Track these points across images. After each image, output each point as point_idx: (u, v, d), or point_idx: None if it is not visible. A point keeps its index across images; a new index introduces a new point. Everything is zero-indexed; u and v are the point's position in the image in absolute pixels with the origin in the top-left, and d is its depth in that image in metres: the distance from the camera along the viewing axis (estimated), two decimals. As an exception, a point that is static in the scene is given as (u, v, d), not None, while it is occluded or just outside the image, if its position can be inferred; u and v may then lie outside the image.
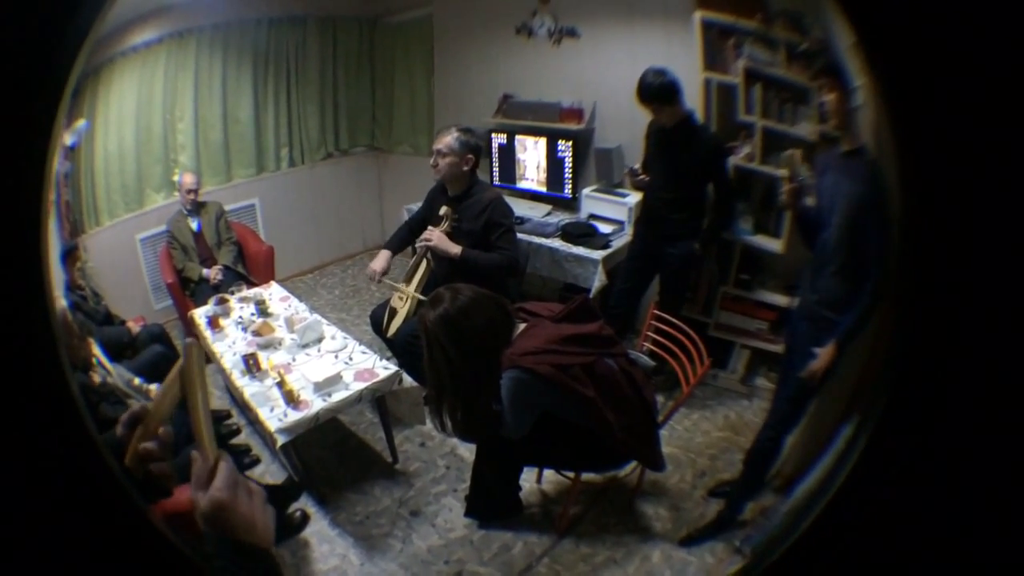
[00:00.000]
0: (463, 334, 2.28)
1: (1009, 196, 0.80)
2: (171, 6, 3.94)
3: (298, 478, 2.98)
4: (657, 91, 3.04)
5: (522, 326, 2.41)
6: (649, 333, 2.99)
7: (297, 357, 3.12)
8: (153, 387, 2.68)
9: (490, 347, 2.31)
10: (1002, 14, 0.76)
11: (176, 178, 4.06)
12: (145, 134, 4.00)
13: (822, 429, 2.27)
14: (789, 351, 2.78)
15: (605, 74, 3.89)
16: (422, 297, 3.26)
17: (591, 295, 3.68)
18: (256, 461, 3.20)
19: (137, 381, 2.70)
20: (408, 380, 3.01)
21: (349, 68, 4.75)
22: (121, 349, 3.17)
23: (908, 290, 0.87)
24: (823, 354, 2.38)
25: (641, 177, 3.38)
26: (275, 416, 2.71)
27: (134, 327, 3.34)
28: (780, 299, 3.49)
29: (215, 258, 3.98)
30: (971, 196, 0.81)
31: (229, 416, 3.43)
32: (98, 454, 0.88)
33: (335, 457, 3.25)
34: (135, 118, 3.93)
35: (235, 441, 3.30)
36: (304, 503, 2.93)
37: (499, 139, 4.38)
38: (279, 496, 2.88)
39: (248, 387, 2.91)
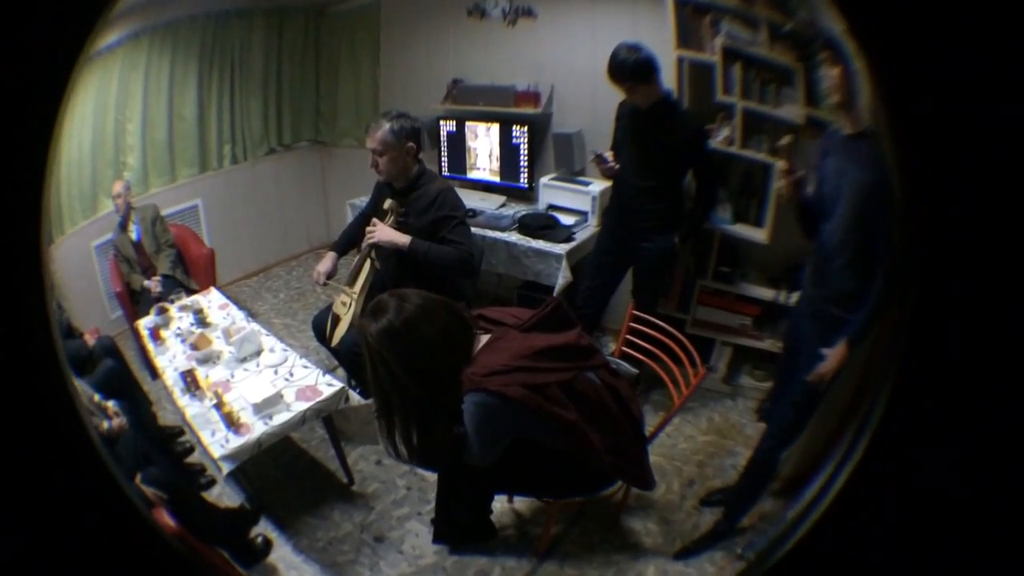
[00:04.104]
0: (411, 350, 1.87)
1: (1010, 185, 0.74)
2: (131, 8, 3.65)
3: (251, 505, 2.67)
4: (632, 68, 2.69)
5: (484, 338, 2.01)
6: (628, 336, 2.63)
7: (236, 373, 2.80)
8: (110, 404, 2.51)
9: (446, 364, 1.91)
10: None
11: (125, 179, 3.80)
12: (100, 138, 3.73)
13: (824, 429, 2.15)
14: (791, 352, 2.46)
15: (564, 55, 3.55)
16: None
17: (555, 293, 3.31)
18: (212, 482, 2.86)
19: (97, 398, 2.53)
20: (355, 397, 2.71)
21: (294, 60, 4.41)
22: (81, 363, 2.90)
23: (912, 284, 0.81)
24: (833, 355, 2.10)
25: (611, 164, 2.96)
26: (217, 441, 2.42)
27: (90, 340, 3.06)
28: (765, 292, 3.21)
29: (155, 266, 3.65)
30: (972, 184, 0.75)
31: (182, 433, 3.09)
32: (96, 456, 0.88)
33: (288, 478, 2.92)
34: (92, 124, 3.66)
35: (190, 460, 2.97)
36: (264, 527, 2.63)
37: (448, 127, 3.97)
38: (238, 520, 2.60)
39: (189, 407, 2.62)
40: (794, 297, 3.04)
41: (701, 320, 3.32)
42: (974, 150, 0.74)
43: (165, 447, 2.91)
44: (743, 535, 2.50)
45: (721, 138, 3.01)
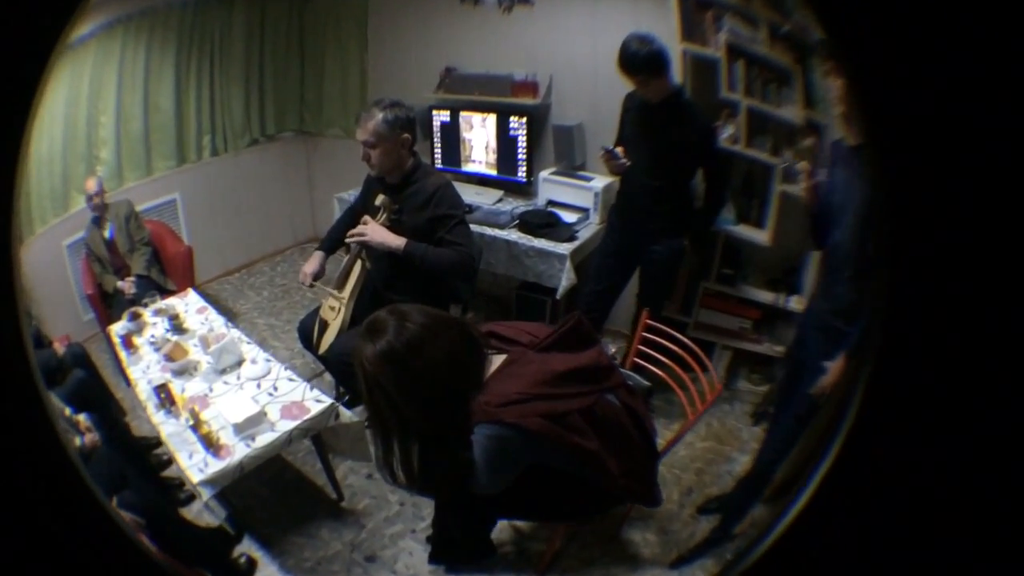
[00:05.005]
0: (414, 376, 1.57)
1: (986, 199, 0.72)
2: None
3: (232, 526, 2.42)
4: (644, 60, 2.42)
5: (496, 359, 1.72)
6: (640, 347, 2.35)
7: (214, 386, 2.46)
8: (82, 417, 2.30)
9: (454, 391, 1.62)
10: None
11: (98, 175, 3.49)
12: (71, 132, 3.40)
13: (811, 435, 2.01)
14: (796, 364, 2.29)
15: (563, 44, 3.24)
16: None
17: (558, 296, 3.05)
18: (191, 497, 2.56)
19: (68, 412, 2.29)
20: (346, 414, 2.36)
21: (277, 47, 4.04)
22: (51, 373, 2.65)
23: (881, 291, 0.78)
24: (833, 368, 1.94)
25: (622, 161, 2.66)
26: (195, 465, 2.10)
27: (59, 348, 2.77)
28: (764, 295, 3.01)
29: (129, 266, 3.31)
30: (946, 196, 0.72)
31: (159, 444, 2.74)
32: (76, 473, 0.80)
33: (273, 493, 2.62)
34: (64, 117, 3.34)
35: (167, 473, 2.66)
36: (248, 546, 2.38)
37: (441, 116, 3.61)
38: (220, 540, 2.38)
39: (164, 425, 2.29)
40: (793, 300, 2.92)
41: (702, 323, 3.08)
42: (954, 162, 0.71)
43: (140, 463, 2.59)
44: (734, 541, 2.34)
45: (726, 136, 2.77)
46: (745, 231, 2.95)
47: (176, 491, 2.58)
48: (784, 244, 2.85)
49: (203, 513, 2.53)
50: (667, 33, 2.73)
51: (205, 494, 2.07)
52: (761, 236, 2.90)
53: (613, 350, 2.44)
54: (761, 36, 2.71)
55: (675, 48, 2.75)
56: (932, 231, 0.73)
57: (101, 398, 2.66)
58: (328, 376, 2.95)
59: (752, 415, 2.97)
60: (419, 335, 1.57)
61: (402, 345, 1.55)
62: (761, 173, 2.90)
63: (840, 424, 0.82)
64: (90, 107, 3.43)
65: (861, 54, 0.71)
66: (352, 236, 2.53)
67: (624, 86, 2.61)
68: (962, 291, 0.74)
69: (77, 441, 2.20)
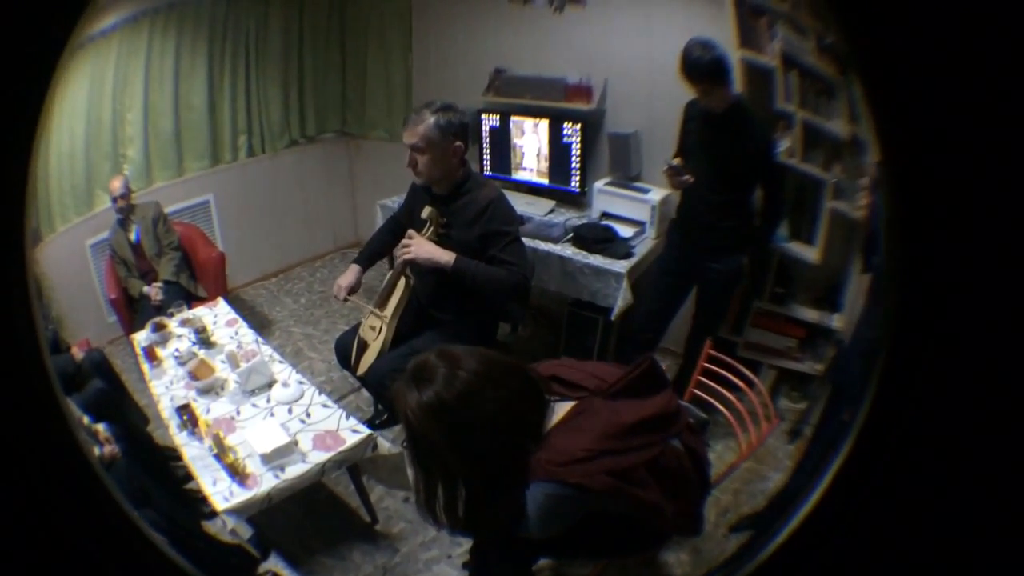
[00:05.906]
0: (465, 431, 1.36)
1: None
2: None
3: (257, 546, 2.21)
4: (708, 67, 2.21)
5: (559, 407, 1.49)
6: (700, 378, 2.13)
7: (242, 409, 2.24)
8: (100, 427, 2.15)
9: (509, 446, 1.40)
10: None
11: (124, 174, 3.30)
12: (95, 129, 3.19)
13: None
14: (838, 389, 2.25)
15: (617, 47, 2.97)
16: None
17: (612, 316, 2.78)
18: (215, 513, 2.30)
19: (87, 420, 2.16)
20: (384, 445, 2.13)
21: (317, 43, 3.78)
22: (69, 379, 2.51)
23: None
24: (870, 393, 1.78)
25: (686, 178, 2.44)
26: (220, 492, 1.93)
27: (78, 353, 2.61)
28: (810, 314, 2.85)
29: (156, 271, 3.10)
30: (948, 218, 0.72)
31: (181, 457, 2.55)
32: (98, 481, 0.78)
33: (302, 512, 2.40)
34: (86, 113, 3.13)
35: (190, 487, 2.43)
36: (275, 565, 2.21)
37: (491, 121, 3.33)
38: (244, 557, 2.20)
39: (187, 446, 2.12)
40: (835, 318, 2.79)
41: (752, 343, 2.87)
42: (965, 177, 0.69)
43: (162, 476, 2.42)
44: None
45: (782, 149, 2.56)
46: (797, 248, 2.74)
47: (200, 504, 2.33)
48: (830, 262, 2.67)
49: (225, 532, 2.31)
50: (724, 39, 2.47)
51: (231, 522, 1.90)
52: (810, 253, 2.70)
53: (663, 367, 2.27)
54: (809, 46, 2.51)
55: (733, 56, 2.51)
56: (942, 243, 0.71)
57: (121, 410, 2.46)
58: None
59: (789, 433, 2.78)
60: (472, 385, 1.35)
61: (452, 397, 1.33)
62: (812, 188, 2.69)
63: (848, 430, 0.83)
64: (115, 103, 3.22)
65: (875, 69, 0.71)
66: (399, 252, 2.29)
67: (682, 93, 2.40)
68: (971, 299, 0.72)
69: (96, 451, 2.02)
